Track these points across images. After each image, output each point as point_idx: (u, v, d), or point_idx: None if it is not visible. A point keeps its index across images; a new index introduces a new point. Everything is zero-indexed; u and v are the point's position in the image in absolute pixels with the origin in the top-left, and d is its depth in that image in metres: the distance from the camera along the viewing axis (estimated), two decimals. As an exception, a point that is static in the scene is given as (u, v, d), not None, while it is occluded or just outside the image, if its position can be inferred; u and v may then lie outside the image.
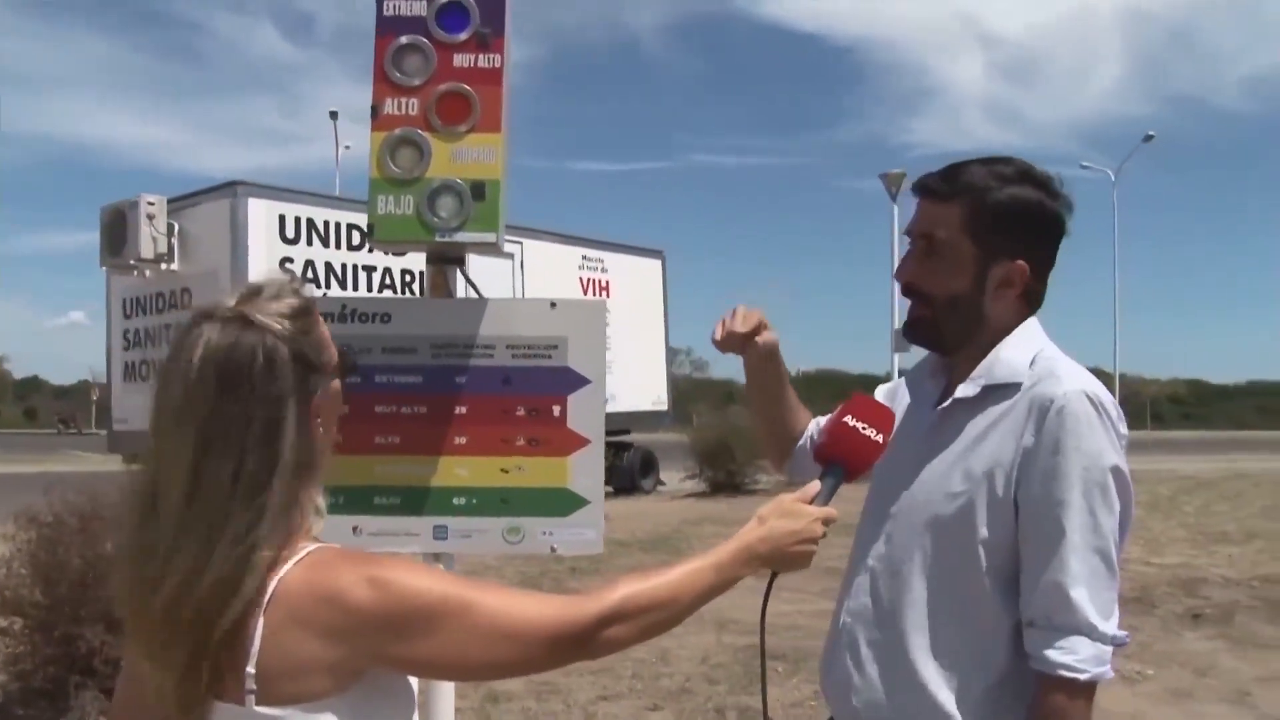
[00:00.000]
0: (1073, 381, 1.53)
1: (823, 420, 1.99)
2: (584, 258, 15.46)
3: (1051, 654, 1.46)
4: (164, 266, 10.36)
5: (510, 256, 13.62)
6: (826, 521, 1.49)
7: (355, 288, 11.45)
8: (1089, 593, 1.46)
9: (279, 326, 1.25)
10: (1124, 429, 1.53)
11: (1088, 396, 1.50)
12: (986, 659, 1.55)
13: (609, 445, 15.35)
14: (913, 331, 1.70)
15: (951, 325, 1.64)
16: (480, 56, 2.23)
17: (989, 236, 1.59)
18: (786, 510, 1.47)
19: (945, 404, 1.64)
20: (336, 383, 1.35)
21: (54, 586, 4.44)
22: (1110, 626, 1.47)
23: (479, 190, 2.23)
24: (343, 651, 1.19)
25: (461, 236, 2.22)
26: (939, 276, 1.63)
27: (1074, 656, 1.45)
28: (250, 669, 1.17)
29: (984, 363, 1.61)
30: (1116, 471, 1.49)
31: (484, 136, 2.24)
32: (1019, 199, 1.59)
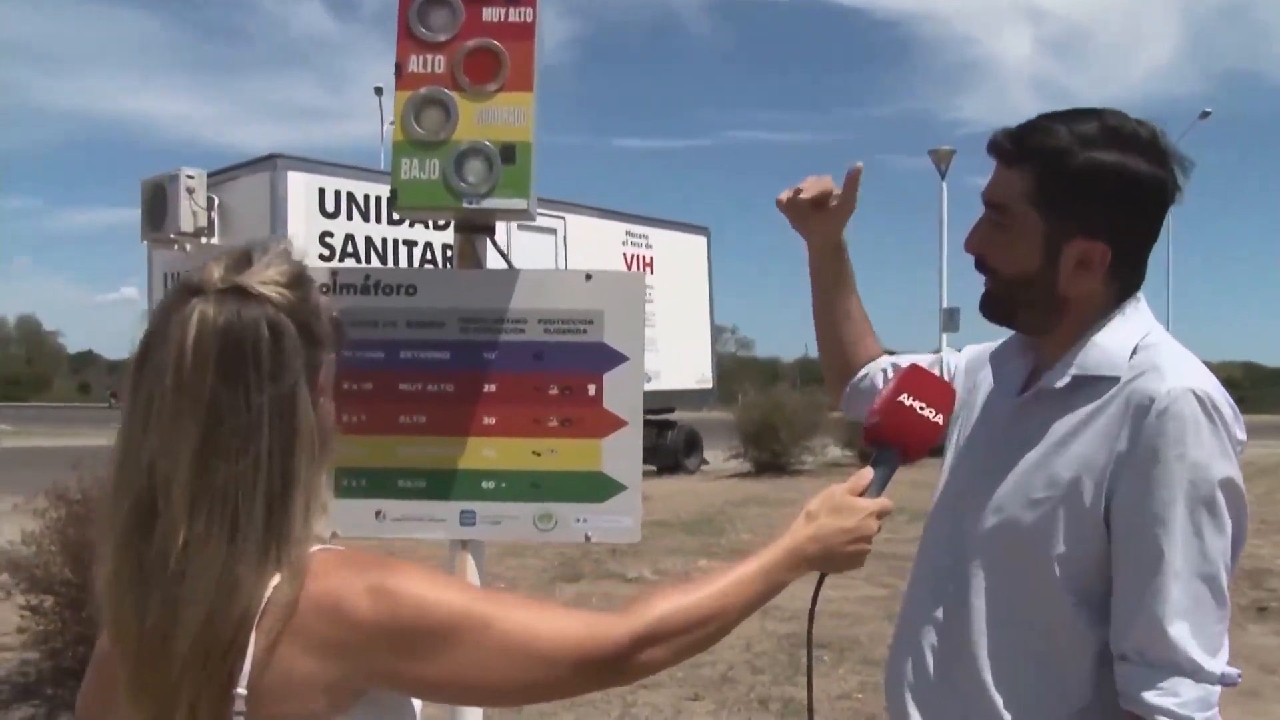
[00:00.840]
0: (1178, 377, 1.30)
1: (889, 364, 1.81)
2: (628, 233, 15.32)
3: (1149, 696, 1.25)
4: (204, 240, 10.32)
5: (553, 231, 13.51)
6: (881, 515, 1.34)
7: (396, 263, 11.36)
8: (1192, 627, 1.25)
9: (279, 296, 1.08)
10: (1241, 432, 1.31)
11: (1195, 395, 1.28)
12: (1066, 689, 1.35)
13: (653, 424, 15.53)
14: (985, 308, 1.49)
15: (1024, 306, 1.44)
16: (511, 10, 2.09)
17: (1061, 210, 1.36)
18: (837, 505, 1.33)
19: (1029, 393, 1.43)
20: (333, 355, 1.19)
21: (83, 564, 4.36)
22: (1218, 664, 1.26)
23: (509, 153, 2.08)
24: (342, 669, 1.04)
25: (490, 203, 2.08)
26: (1007, 252, 1.42)
27: (1175, 700, 1.24)
28: (240, 689, 1.02)
29: (1076, 349, 1.39)
30: (1228, 485, 1.27)
31: (514, 96, 2.09)
32: (1100, 165, 1.34)
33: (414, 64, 2.08)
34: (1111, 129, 1.35)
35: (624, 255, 14.96)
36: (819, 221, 1.74)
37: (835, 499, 1.33)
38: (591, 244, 13.92)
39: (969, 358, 1.70)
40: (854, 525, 1.31)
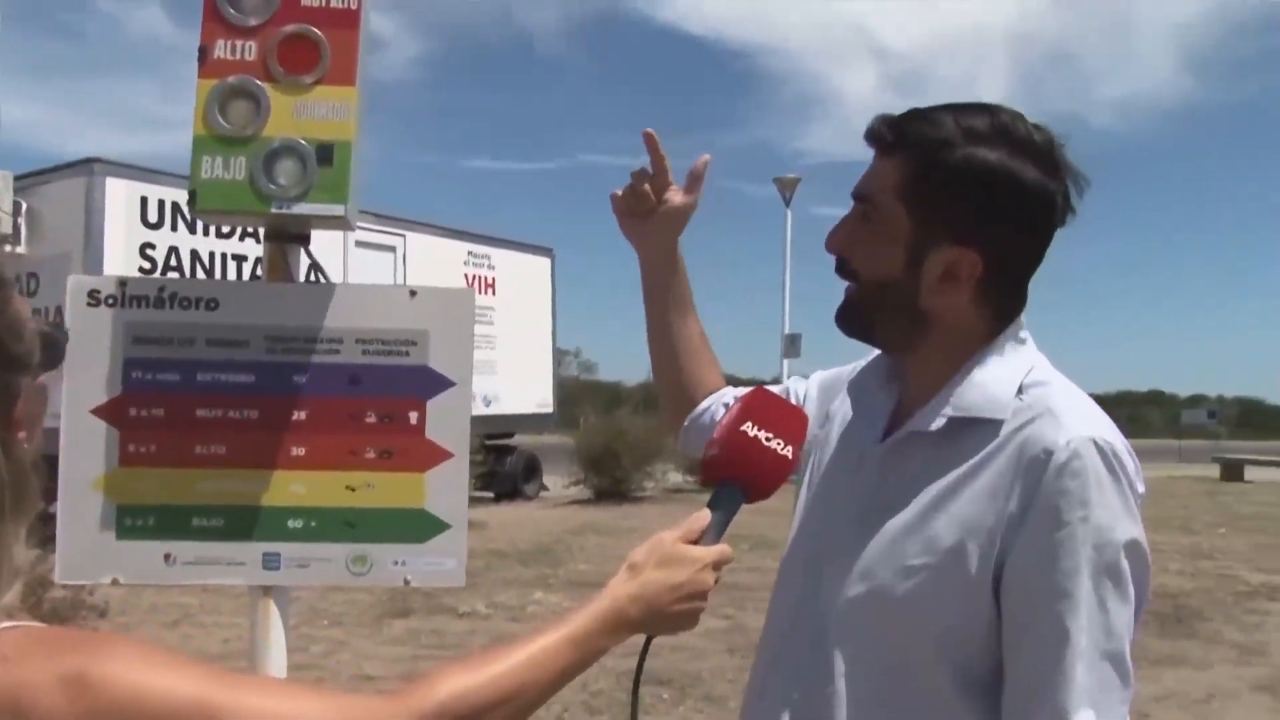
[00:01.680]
0: (1078, 424, 1.14)
1: (731, 396, 1.62)
2: (470, 253, 15.06)
3: None
4: (8, 248, 9.61)
5: (392, 249, 13.15)
6: (719, 565, 1.16)
7: (226, 279, 10.82)
8: (1098, 716, 1.09)
9: None
10: (1141, 484, 1.16)
11: (1098, 446, 1.12)
12: None
13: (491, 449, 15.26)
14: (842, 317, 1.31)
15: (883, 318, 1.26)
16: (333, -6, 1.88)
17: (931, 209, 1.19)
18: (666, 556, 1.14)
19: (899, 435, 1.25)
20: (41, 379, 0.95)
21: None
22: None
23: (326, 153, 1.86)
24: None
25: (304, 208, 1.86)
26: (869, 251, 1.25)
27: None
28: None
29: (951, 385, 1.21)
30: (1133, 548, 1.12)
31: (335, 90, 1.88)
32: (982, 164, 1.17)
33: (221, 49, 1.85)
34: (1003, 126, 1.19)
35: (466, 276, 14.69)
36: (654, 224, 1.58)
37: (664, 549, 1.15)
38: (432, 263, 13.61)
39: (820, 384, 1.53)
40: (685, 580, 1.13)
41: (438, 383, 2.05)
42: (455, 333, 2.07)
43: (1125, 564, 1.11)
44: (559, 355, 19.05)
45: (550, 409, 17.41)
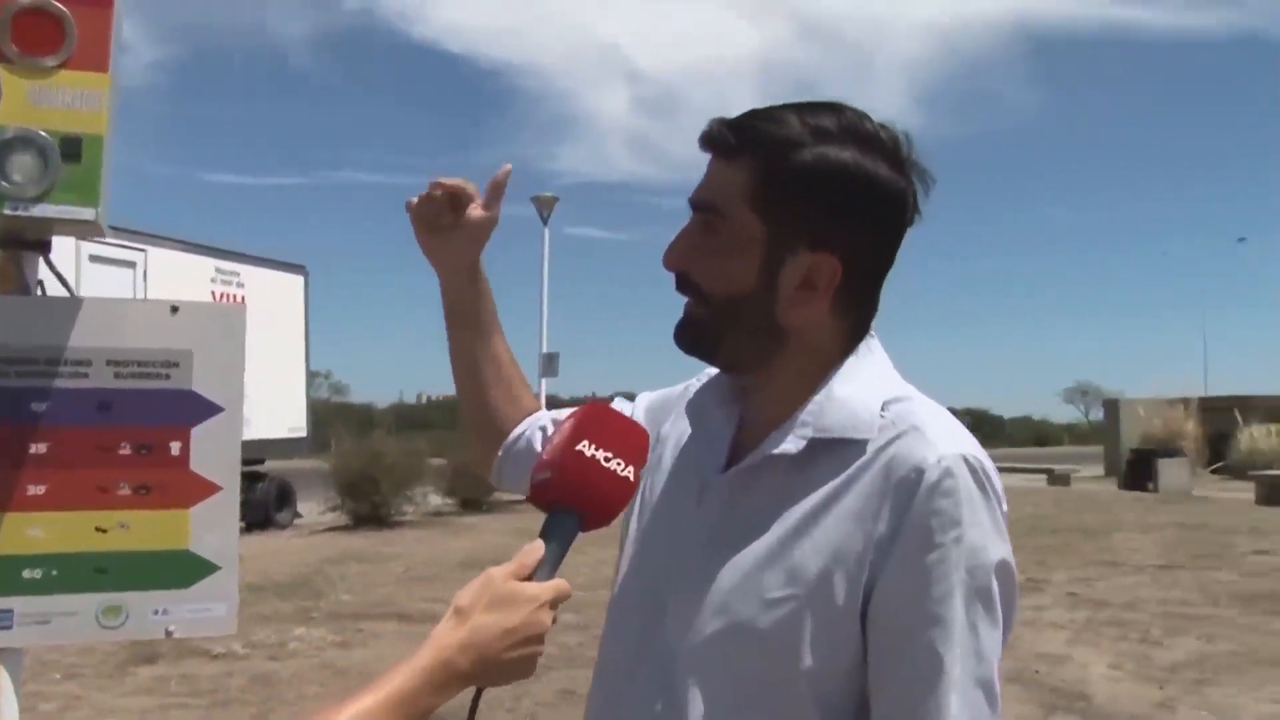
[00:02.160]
0: (946, 441, 1.08)
1: (549, 420, 1.49)
2: (218, 270, 14.29)
3: None
4: None
5: (131, 265, 12.27)
6: (556, 602, 1.04)
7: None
8: None
9: None
10: (1005, 505, 1.11)
11: (969, 463, 1.06)
12: None
13: (242, 476, 14.38)
14: (684, 337, 1.20)
15: (734, 337, 1.16)
16: (80, -34, 1.66)
17: (786, 214, 1.11)
18: (498, 596, 1.01)
19: (753, 459, 1.15)
20: None
21: None
22: None
23: (72, 147, 1.63)
24: None
25: (45, 210, 1.63)
26: (717, 265, 1.15)
27: None
28: None
29: (812, 404, 1.13)
30: (1003, 569, 1.07)
31: (83, 76, 1.65)
32: (835, 163, 1.10)
33: (-62, 25, 1.60)
34: (850, 124, 1.12)
35: (213, 294, 13.93)
36: (453, 239, 1.44)
37: (494, 587, 1.01)
38: (177, 280, 12.80)
39: (648, 406, 1.42)
40: (520, 622, 1.01)
41: (203, 408, 1.84)
42: (223, 353, 1.86)
43: (996, 586, 1.06)
44: (310, 377, 18.30)
45: (304, 433, 16.73)
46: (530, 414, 1.53)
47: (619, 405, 1.43)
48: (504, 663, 1.01)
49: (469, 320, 1.50)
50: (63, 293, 1.82)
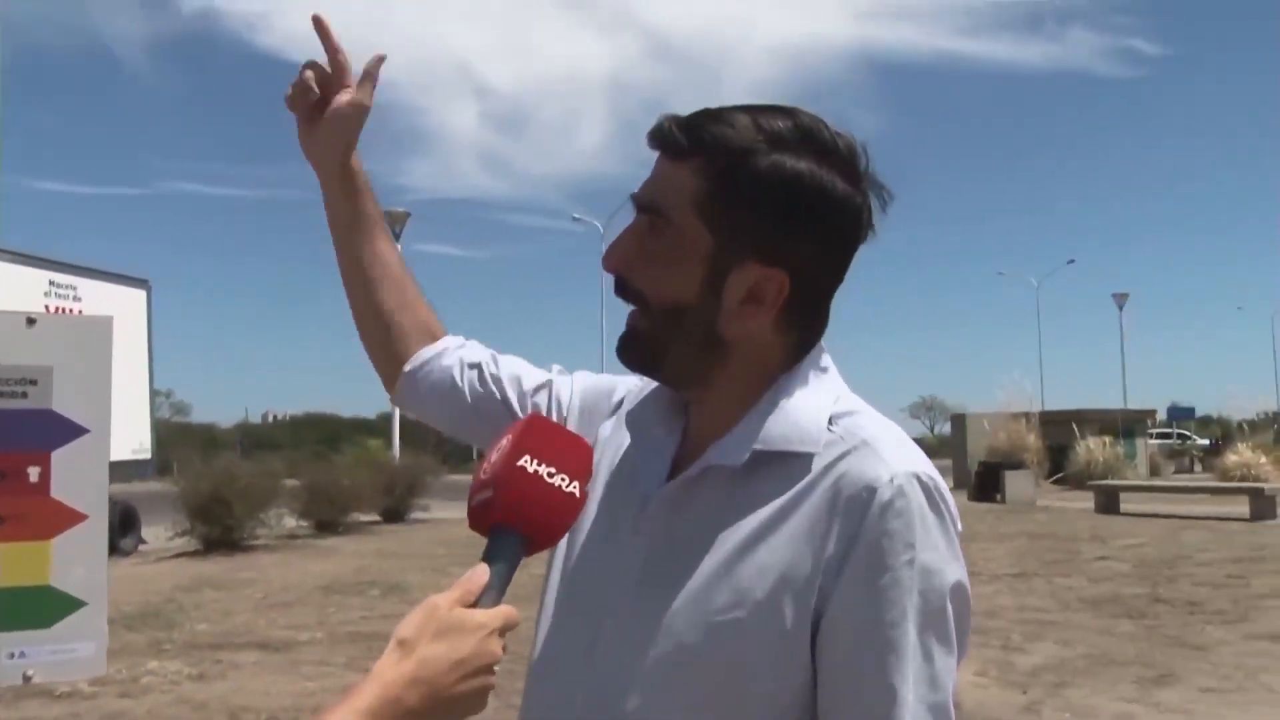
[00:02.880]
0: (898, 458, 1.03)
1: (471, 354, 1.39)
2: (51, 283, 13.46)
3: None
4: None
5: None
6: (505, 630, 0.95)
7: None
8: None
9: None
10: (959, 524, 1.06)
11: (921, 482, 1.02)
12: None
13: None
14: (626, 349, 1.13)
15: (675, 348, 1.10)
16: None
17: (735, 223, 1.05)
18: (445, 625, 0.92)
19: (692, 471, 1.09)
20: None
21: None
22: None
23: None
24: None
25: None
26: (658, 271, 1.08)
27: None
28: None
29: (756, 416, 1.08)
30: (958, 591, 1.02)
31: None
32: (790, 173, 1.04)
33: None
34: (807, 131, 1.06)
35: (47, 308, 13.11)
36: (324, 129, 1.35)
37: (440, 617, 0.92)
38: (5, 293, 12.01)
39: (584, 395, 1.33)
40: (469, 652, 0.92)
41: (66, 430, 1.69)
42: (88, 369, 1.72)
43: (950, 609, 1.01)
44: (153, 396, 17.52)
45: (148, 454, 15.92)
46: (432, 331, 1.42)
47: (559, 380, 1.36)
48: (455, 696, 0.92)
49: (349, 221, 1.40)
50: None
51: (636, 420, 1.20)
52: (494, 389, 1.35)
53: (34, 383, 1.68)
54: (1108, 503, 17.99)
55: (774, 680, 1.01)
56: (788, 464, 1.05)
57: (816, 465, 1.04)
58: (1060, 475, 25.20)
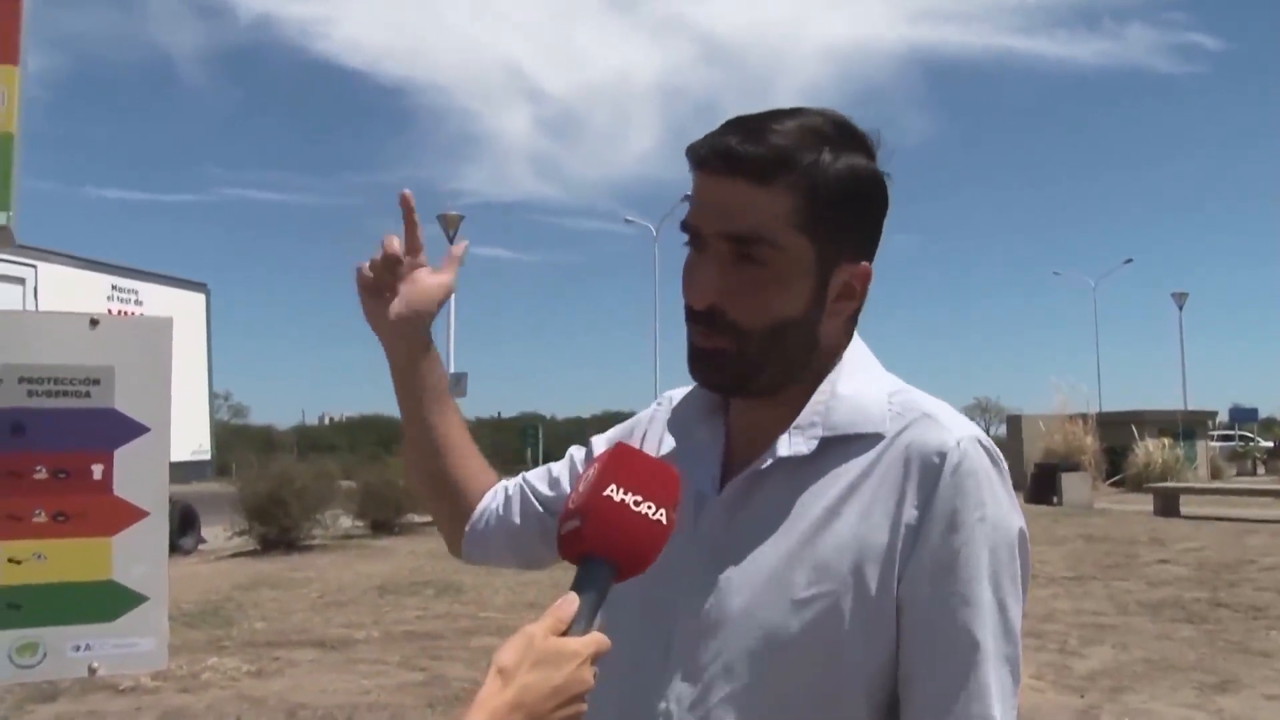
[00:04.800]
0: (959, 424, 1.10)
1: (510, 486, 1.41)
2: (114, 287, 13.77)
3: None
4: None
5: (21, 281, 11.77)
6: (595, 657, 0.97)
7: None
8: None
9: None
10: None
11: (982, 444, 1.09)
12: None
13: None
14: (707, 370, 1.13)
15: (774, 362, 1.11)
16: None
17: (827, 232, 1.09)
18: (541, 655, 0.94)
19: (760, 465, 1.11)
20: None
21: None
22: None
23: (-20, 147, 1.52)
24: None
25: (-51, 215, 1.51)
26: (766, 295, 1.09)
27: None
28: None
29: (815, 404, 1.12)
30: (1022, 539, 1.09)
31: (-9, 70, 1.54)
32: (859, 172, 1.10)
33: None
34: (847, 129, 1.12)
35: (110, 311, 13.41)
36: (401, 305, 1.33)
37: (537, 646, 0.94)
38: (70, 298, 12.28)
39: (608, 440, 1.35)
40: (565, 680, 0.94)
41: (128, 429, 1.73)
42: (149, 369, 1.75)
43: (1018, 560, 1.08)
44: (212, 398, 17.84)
45: (207, 455, 16.25)
46: (489, 488, 1.43)
47: (575, 451, 1.38)
48: None
49: (419, 392, 1.38)
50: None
51: (679, 423, 1.23)
52: (536, 504, 1.37)
53: (96, 382, 1.72)
54: (1167, 506, 17.63)
55: (865, 651, 1.05)
56: (852, 445, 1.10)
57: (886, 440, 1.09)
58: (1118, 478, 24.76)
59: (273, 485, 14.69)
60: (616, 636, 1.17)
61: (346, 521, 16.54)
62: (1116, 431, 26.01)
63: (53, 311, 1.77)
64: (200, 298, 16.21)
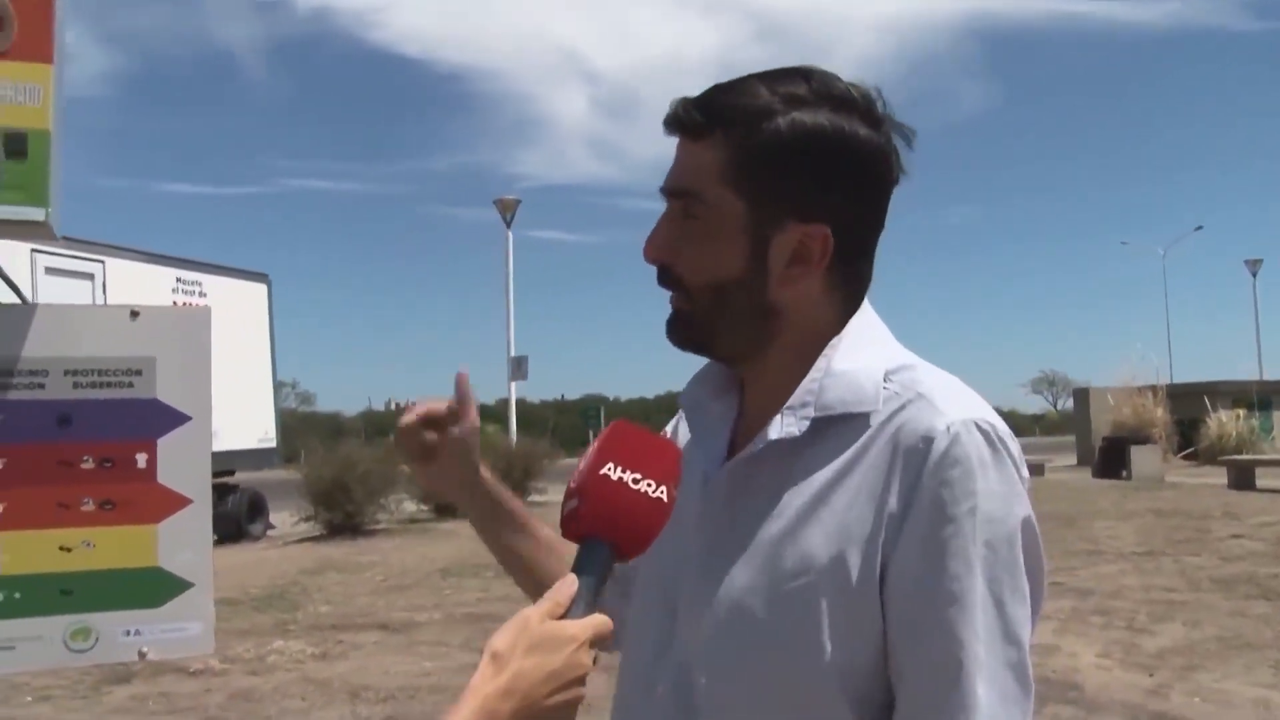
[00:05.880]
0: (955, 406, 1.01)
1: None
2: (179, 280, 14.08)
3: None
4: None
5: (90, 276, 12.07)
6: (596, 640, 0.95)
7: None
8: None
9: None
10: (1025, 471, 1.03)
11: (980, 428, 1.00)
12: None
13: (212, 489, 14.31)
14: (675, 331, 1.12)
15: (726, 326, 1.09)
16: (20, -49, 1.56)
17: (766, 187, 1.04)
18: (537, 639, 0.93)
19: (753, 448, 1.07)
20: None
21: None
22: None
23: (17, 143, 1.55)
24: None
25: (-10, 211, 1.53)
26: (699, 252, 1.07)
27: None
28: None
29: (811, 383, 1.06)
30: (1027, 528, 1.00)
31: (25, 67, 1.56)
32: (808, 128, 1.04)
33: None
34: (821, 87, 1.06)
35: (175, 303, 13.71)
36: (445, 464, 1.33)
37: (532, 630, 0.93)
38: (137, 291, 12.58)
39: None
40: (561, 665, 0.92)
41: (170, 418, 1.75)
42: (189, 359, 1.77)
43: (1020, 554, 0.99)
44: (276, 387, 18.14)
45: (273, 443, 16.54)
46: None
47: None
48: (547, 709, 0.93)
49: (500, 529, 1.39)
50: (13, 300, 1.73)
51: (690, 400, 1.20)
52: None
53: (139, 373, 1.75)
54: (1241, 478, 17.19)
55: (846, 646, 0.99)
56: (845, 426, 1.04)
57: (874, 422, 1.03)
58: (1190, 450, 24.24)
59: (337, 471, 14.91)
60: (637, 616, 1.17)
61: (411, 506, 16.75)
62: (1188, 403, 25.42)
63: (95, 305, 1.82)
64: (262, 288, 16.49)
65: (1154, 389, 24.18)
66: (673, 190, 1.09)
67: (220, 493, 15.00)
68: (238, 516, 15.29)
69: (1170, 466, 21.49)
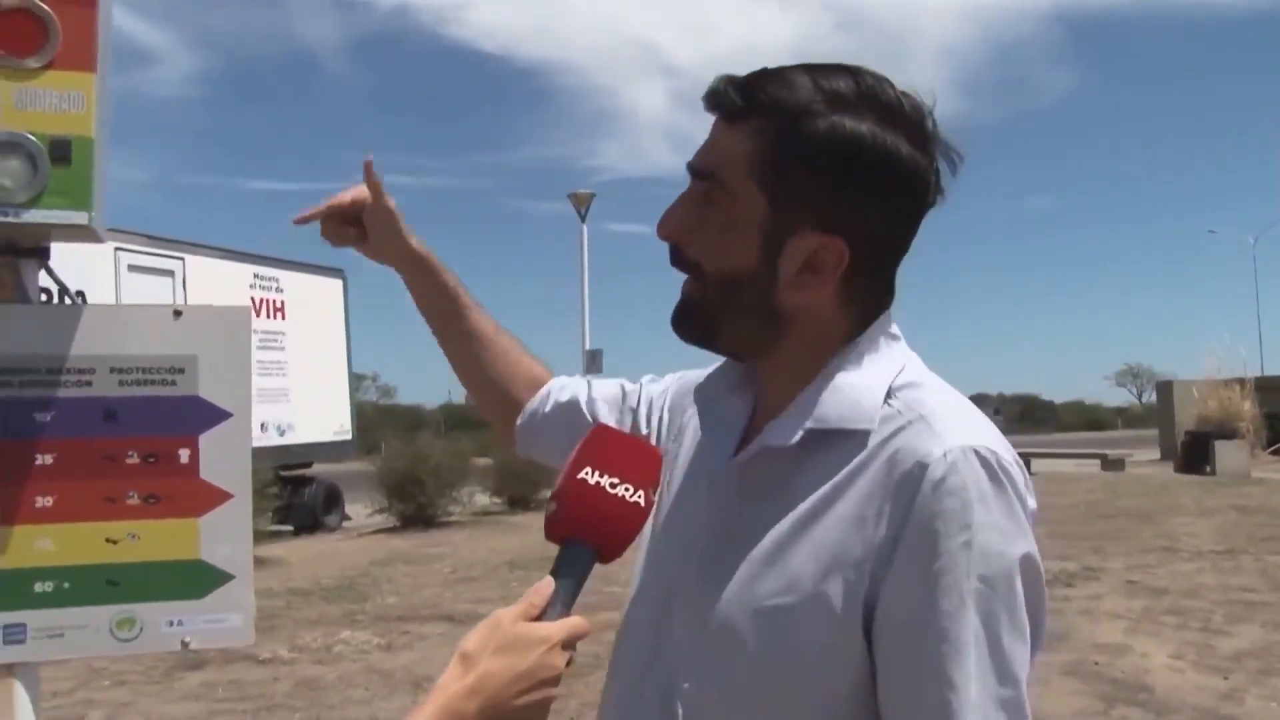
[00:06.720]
0: (955, 432, 0.96)
1: (571, 385, 1.44)
2: (256, 276, 14.36)
3: None
4: None
5: (170, 273, 12.39)
6: (571, 641, 0.96)
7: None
8: None
9: None
10: (1033, 501, 0.99)
11: (979, 456, 0.95)
12: None
13: (288, 481, 14.60)
14: (679, 318, 1.10)
15: (732, 321, 1.06)
16: (64, -37, 1.62)
17: (792, 188, 1.00)
18: (507, 640, 0.94)
19: (750, 450, 1.05)
20: None
21: None
22: None
23: (62, 150, 1.59)
24: None
25: (36, 215, 1.59)
26: (714, 238, 1.04)
27: None
28: None
29: (811, 392, 1.03)
30: (1027, 566, 0.95)
31: (69, 76, 1.61)
32: (849, 135, 0.98)
33: (-83, 26, 1.57)
34: (870, 91, 1.00)
35: (253, 300, 14.01)
36: (377, 241, 1.49)
37: (503, 631, 0.95)
38: (216, 287, 12.91)
39: (678, 389, 1.32)
40: (531, 666, 0.94)
41: (211, 415, 1.80)
42: (229, 357, 1.82)
43: (1019, 591, 0.94)
44: (356, 380, 18.44)
45: (349, 435, 16.82)
46: (539, 380, 1.47)
47: (647, 383, 1.38)
48: (514, 709, 0.94)
49: (433, 301, 1.49)
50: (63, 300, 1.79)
51: (705, 395, 1.18)
52: (589, 417, 1.36)
53: (181, 371, 1.80)
54: (1332, 475, 16.67)
55: (827, 675, 0.97)
56: (842, 442, 1.00)
57: (871, 442, 0.99)
58: (1279, 446, 23.49)
59: (409, 463, 15.14)
60: (635, 609, 1.17)
61: (483, 498, 16.93)
62: (1278, 396, 24.62)
63: (139, 304, 1.90)
64: (338, 283, 16.74)
65: (1241, 381, 23.45)
66: (698, 170, 1.06)
67: (297, 485, 15.34)
68: (314, 508, 15.61)
69: (1257, 462, 20.85)
